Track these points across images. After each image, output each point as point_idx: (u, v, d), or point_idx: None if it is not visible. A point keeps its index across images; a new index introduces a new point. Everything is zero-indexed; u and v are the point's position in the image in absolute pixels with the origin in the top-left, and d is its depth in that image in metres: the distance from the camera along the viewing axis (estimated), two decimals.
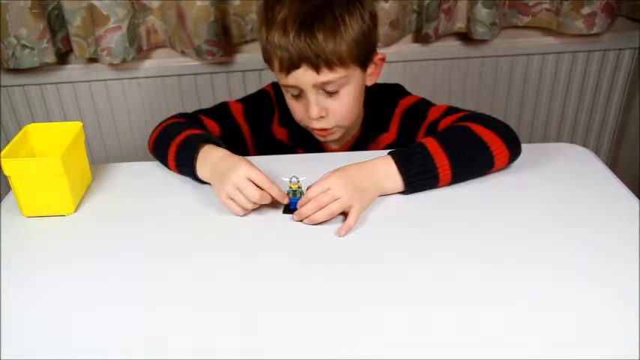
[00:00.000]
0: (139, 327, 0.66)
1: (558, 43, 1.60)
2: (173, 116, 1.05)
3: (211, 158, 0.90)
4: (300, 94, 0.98)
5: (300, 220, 0.83)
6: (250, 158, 0.89)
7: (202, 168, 0.91)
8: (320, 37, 0.90)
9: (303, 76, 0.93)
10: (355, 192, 0.83)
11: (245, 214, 0.85)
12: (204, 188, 0.92)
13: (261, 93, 1.14)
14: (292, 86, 0.96)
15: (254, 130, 1.11)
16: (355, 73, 0.97)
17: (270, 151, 1.10)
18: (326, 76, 0.93)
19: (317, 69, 0.92)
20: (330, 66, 0.92)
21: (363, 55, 0.96)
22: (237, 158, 0.88)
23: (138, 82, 1.60)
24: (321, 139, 1.05)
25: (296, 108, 1.01)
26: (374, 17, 0.97)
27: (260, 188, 0.84)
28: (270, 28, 0.93)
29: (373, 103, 1.07)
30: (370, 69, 1.01)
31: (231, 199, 0.84)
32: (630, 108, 1.74)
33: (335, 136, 1.04)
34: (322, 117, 0.98)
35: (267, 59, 0.98)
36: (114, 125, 1.66)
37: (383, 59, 1.03)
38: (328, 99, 0.97)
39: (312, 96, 0.96)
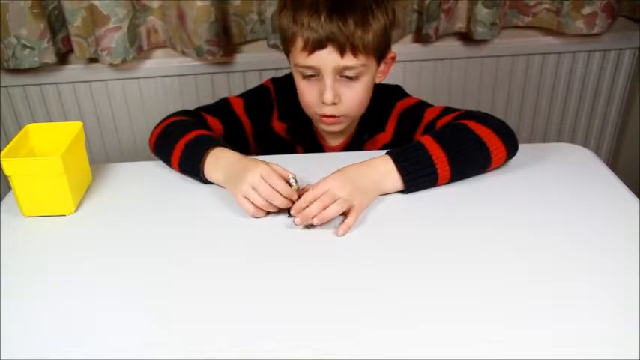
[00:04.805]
0: (139, 327, 0.66)
1: (558, 43, 1.60)
2: (176, 113, 1.05)
3: (224, 161, 0.90)
4: (315, 77, 0.98)
5: (305, 225, 0.81)
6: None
7: (214, 172, 0.91)
8: (350, 21, 0.92)
9: (327, 58, 0.94)
10: (354, 191, 0.83)
11: (257, 217, 0.84)
12: (204, 188, 0.92)
13: (261, 88, 1.15)
14: (310, 67, 0.97)
15: (254, 124, 1.12)
16: (372, 65, 0.99)
17: (270, 145, 1.11)
18: (349, 60, 0.94)
19: (342, 52, 0.93)
20: (354, 51, 0.94)
21: (383, 48, 0.99)
22: (254, 160, 0.88)
23: (138, 82, 1.60)
24: (326, 127, 1.04)
25: (307, 91, 1.01)
26: (395, 14, 1.00)
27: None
28: (298, 7, 0.94)
29: (371, 102, 1.07)
30: (381, 66, 1.03)
31: (246, 198, 0.84)
32: (630, 108, 1.74)
33: (339, 127, 1.04)
34: (335, 103, 0.99)
35: (288, 39, 0.98)
36: (114, 125, 1.66)
37: (394, 58, 1.05)
38: (343, 86, 0.98)
39: (329, 80, 0.96)
